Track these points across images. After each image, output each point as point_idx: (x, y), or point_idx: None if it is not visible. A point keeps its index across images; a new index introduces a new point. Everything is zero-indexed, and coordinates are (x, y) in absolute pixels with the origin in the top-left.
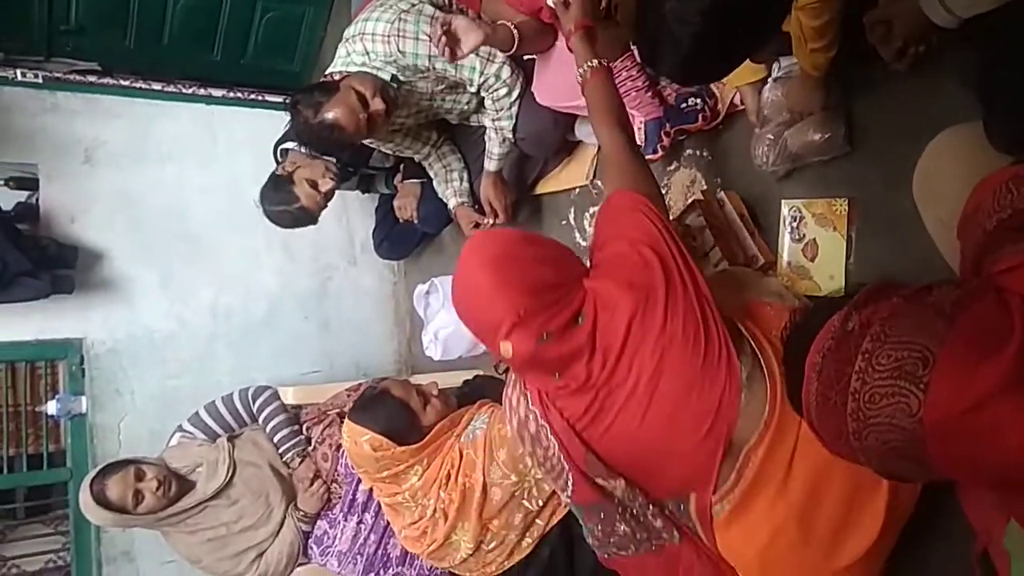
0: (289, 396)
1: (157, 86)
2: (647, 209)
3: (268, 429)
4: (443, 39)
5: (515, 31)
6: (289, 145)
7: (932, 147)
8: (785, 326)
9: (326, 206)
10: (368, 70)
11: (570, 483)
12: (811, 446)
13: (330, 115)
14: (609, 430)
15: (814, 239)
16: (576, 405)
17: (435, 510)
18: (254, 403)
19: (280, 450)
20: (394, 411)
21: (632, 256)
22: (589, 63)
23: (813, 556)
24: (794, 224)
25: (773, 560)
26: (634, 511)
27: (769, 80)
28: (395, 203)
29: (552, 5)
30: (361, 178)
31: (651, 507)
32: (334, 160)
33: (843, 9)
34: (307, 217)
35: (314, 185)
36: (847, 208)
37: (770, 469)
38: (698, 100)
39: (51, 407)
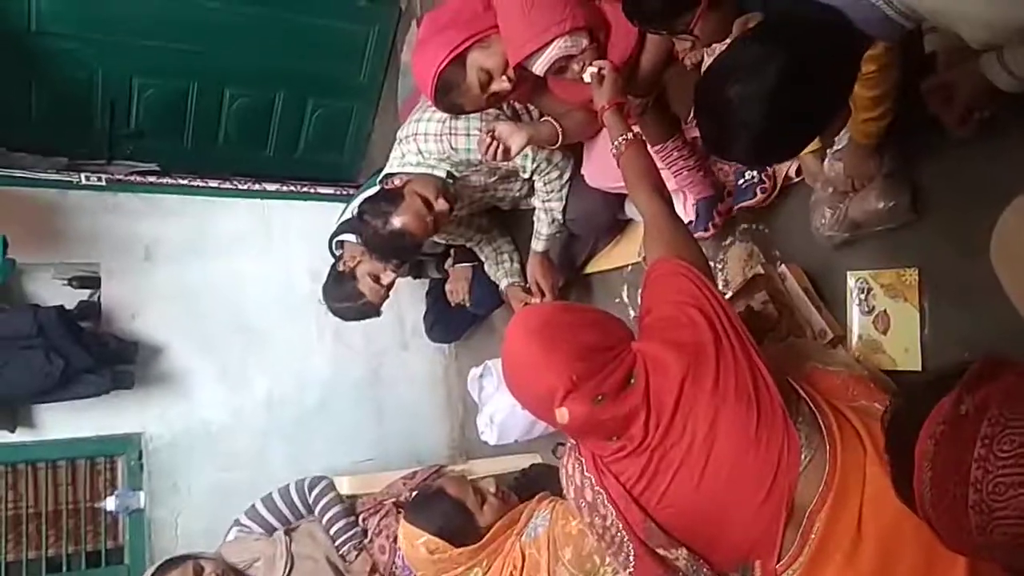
0: (344, 486)
1: (214, 183)
2: (690, 272)
3: (324, 521)
4: (491, 145)
5: (558, 127)
6: (345, 238)
7: (1010, 212)
8: (885, 410)
9: (388, 297)
10: (424, 170)
11: (632, 556)
12: (879, 509)
13: (398, 223)
14: (667, 494)
15: (884, 311)
16: (632, 468)
17: None
18: (310, 494)
19: (336, 543)
20: (450, 511)
21: (679, 317)
22: (623, 136)
23: None
24: (862, 296)
25: None
26: None
27: (829, 151)
28: (447, 287)
29: (588, 80)
30: (412, 264)
31: None
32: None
33: (900, 78)
34: (372, 310)
35: (376, 279)
36: (918, 278)
37: (836, 534)
38: (755, 175)
39: (110, 503)
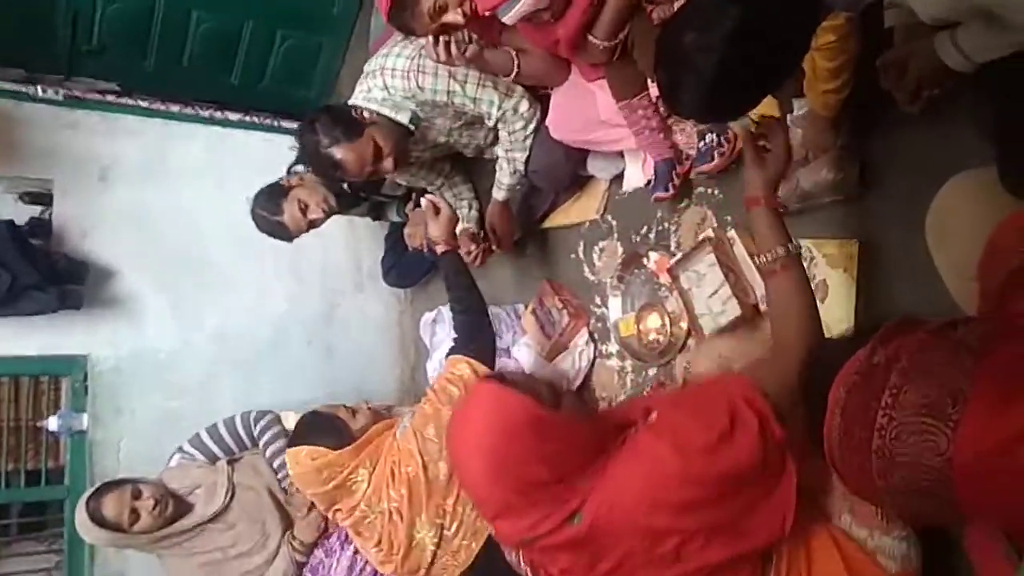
0: (290, 421)
1: (175, 107)
2: (767, 433)
3: (268, 454)
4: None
5: (515, 57)
6: (301, 168)
7: (946, 191)
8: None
9: (306, 231)
10: (389, 107)
11: None
12: None
13: (339, 154)
14: None
15: (824, 280)
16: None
17: (390, 513)
18: (255, 426)
19: (279, 476)
20: (322, 422)
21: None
22: (779, 249)
23: None
24: (804, 264)
25: None
26: None
27: (789, 117)
28: (406, 231)
29: (737, 131)
30: (372, 205)
31: None
32: (336, 193)
33: (858, 51)
34: (283, 234)
35: (304, 209)
36: (858, 250)
37: None
38: (714, 138)
39: (52, 423)
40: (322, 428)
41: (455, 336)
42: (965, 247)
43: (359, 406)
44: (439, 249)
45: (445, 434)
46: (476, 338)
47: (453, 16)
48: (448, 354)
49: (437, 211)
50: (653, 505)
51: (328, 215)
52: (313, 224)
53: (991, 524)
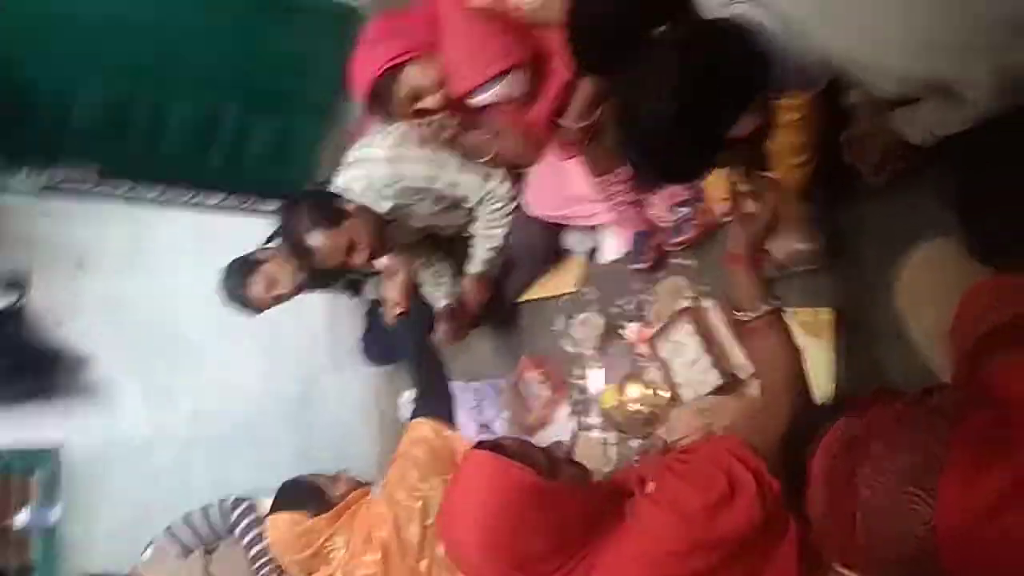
0: (266, 507)
1: (152, 193)
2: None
3: (245, 542)
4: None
5: (493, 139)
6: (276, 244)
7: (914, 260)
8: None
9: (271, 306)
10: (369, 199)
11: None
12: None
13: (316, 241)
14: None
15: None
16: None
17: None
18: (232, 515)
19: (255, 566)
20: (302, 488)
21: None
22: (763, 306)
23: None
24: None
25: None
26: None
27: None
28: (380, 295)
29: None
30: (348, 282)
31: None
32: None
33: (822, 126)
34: (249, 307)
35: (271, 284)
36: (834, 317)
37: None
38: (688, 210)
39: (21, 519)
40: (302, 494)
41: (415, 396)
42: (936, 315)
43: (339, 475)
44: (394, 312)
45: (437, 509)
46: (434, 397)
47: (429, 101)
48: (411, 416)
49: (394, 273)
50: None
51: (297, 292)
52: (279, 300)
53: None
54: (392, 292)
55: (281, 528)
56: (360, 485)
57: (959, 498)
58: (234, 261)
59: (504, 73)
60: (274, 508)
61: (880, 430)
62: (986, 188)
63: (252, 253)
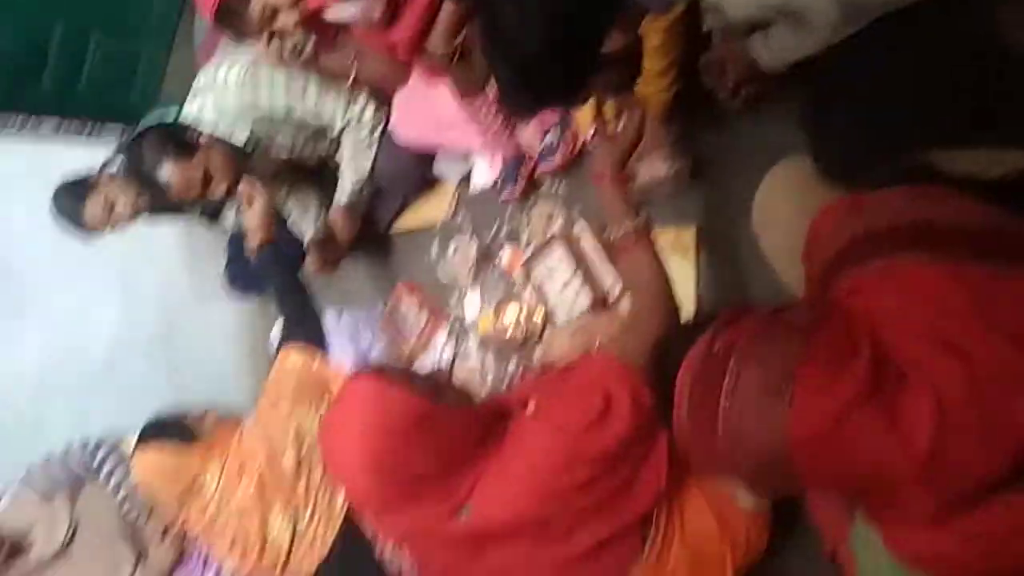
0: (131, 445)
1: None
2: (641, 404)
3: (111, 484)
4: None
5: (353, 59)
6: (115, 170)
7: (767, 181)
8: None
9: (107, 231)
10: (224, 129)
11: None
12: None
13: (166, 175)
14: None
15: None
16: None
17: (241, 511)
18: (95, 457)
19: (124, 506)
20: (166, 426)
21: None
22: (629, 223)
23: None
24: None
25: None
26: None
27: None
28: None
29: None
30: (204, 206)
31: None
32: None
33: (682, 53)
34: (82, 230)
35: (109, 208)
36: (695, 236)
37: None
38: (556, 136)
39: None
40: (167, 431)
41: (283, 326)
42: (789, 233)
43: (206, 412)
44: (256, 241)
45: (318, 435)
46: (302, 324)
47: (284, 19)
48: (278, 345)
49: (252, 200)
50: (542, 492)
51: (136, 215)
52: (114, 225)
53: (829, 491)
54: (253, 220)
55: (148, 466)
56: (230, 419)
57: (810, 408)
58: (68, 182)
59: None
60: (138, 447)
61: (737, 345)
62: (833, 110)
63: (88, 175)
